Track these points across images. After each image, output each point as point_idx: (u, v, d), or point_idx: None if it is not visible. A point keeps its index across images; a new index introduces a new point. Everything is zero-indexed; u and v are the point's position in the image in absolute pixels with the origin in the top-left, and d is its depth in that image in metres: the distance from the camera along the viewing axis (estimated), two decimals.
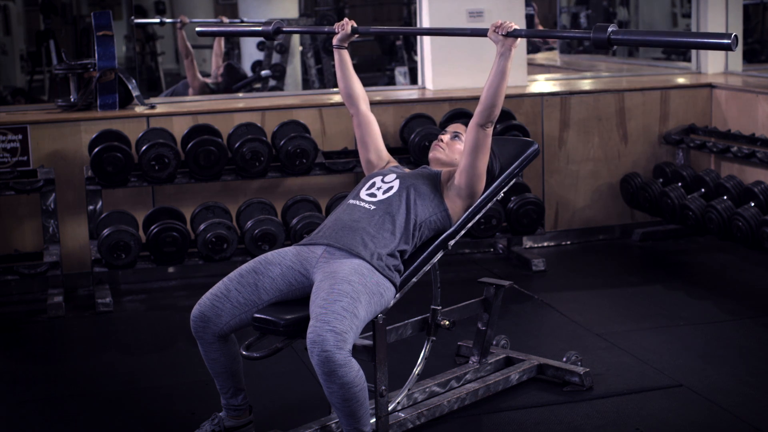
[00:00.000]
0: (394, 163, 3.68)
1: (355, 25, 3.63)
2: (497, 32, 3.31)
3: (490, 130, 3.39)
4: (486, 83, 3.35)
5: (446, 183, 3.48)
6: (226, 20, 7.79)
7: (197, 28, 4.06)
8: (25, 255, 5.18)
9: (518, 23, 5.93)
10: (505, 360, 3.98)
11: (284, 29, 3.74)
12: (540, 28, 10.78)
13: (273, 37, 3.77)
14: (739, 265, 5.52)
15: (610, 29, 3.10)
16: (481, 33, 3.39)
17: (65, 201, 5.30)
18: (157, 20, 9.30)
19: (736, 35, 2.92)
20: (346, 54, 3.65)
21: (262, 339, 3.20)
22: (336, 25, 3.64)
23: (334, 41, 3.64)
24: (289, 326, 3.11)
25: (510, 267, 5.58)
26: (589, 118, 6.01)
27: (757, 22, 9.29)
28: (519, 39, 3.33)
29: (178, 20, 8.07)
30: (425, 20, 6.00)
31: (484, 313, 3.83)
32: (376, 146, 3.65)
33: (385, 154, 3.68)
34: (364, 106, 3.65)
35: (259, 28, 3.78)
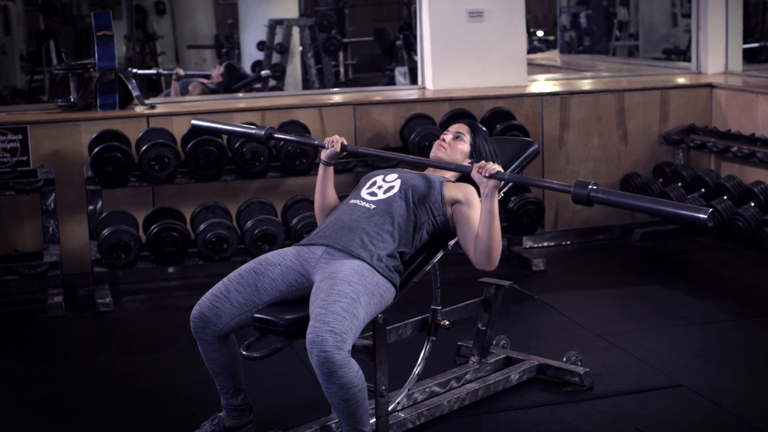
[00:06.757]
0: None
1: (345, 142, 3.58)
2: (480, 173, 3.29)
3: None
4: (478, 228, 3.31)
5: (447, 199, 3.43)
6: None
7: (192, 121, 4.05)
8: (25, 255, 5.18)
9: (518, 24, 6.06)
10: (505, 360, 3.98)
11: (275, 135, 3.75)
12: None
13: (265, 142, 3.79)
14: (739, 265, 5.52)
15: (590, 186, 3.05)
16: (466, 171, 3.37)
17: (65, 201, 5.30)
18: (154, 71, 9.97)
19: (713, 211, 2.86)
20: (331, 171, 3.61)
21: (262, 339, 3.20)
22: (326, 140, 3.60)
23: (323, 156, 3.59)
24: (289, 326, 3.11)
25: (510, 267, 5.58)
26: (589, 118, 6.01)
27: (757, 22, 9.29)
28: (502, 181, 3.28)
29: (174, 72, 8.62)
30: (425, 20, 6.00)
31: (484, 313, 3.83)
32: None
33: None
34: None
35: (252, 131, 3.79)
